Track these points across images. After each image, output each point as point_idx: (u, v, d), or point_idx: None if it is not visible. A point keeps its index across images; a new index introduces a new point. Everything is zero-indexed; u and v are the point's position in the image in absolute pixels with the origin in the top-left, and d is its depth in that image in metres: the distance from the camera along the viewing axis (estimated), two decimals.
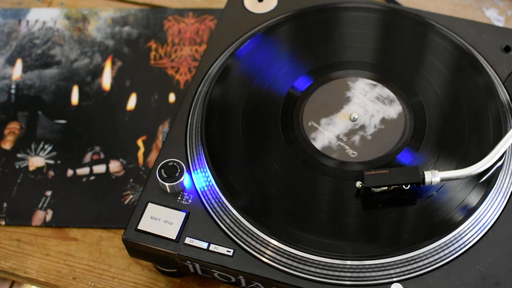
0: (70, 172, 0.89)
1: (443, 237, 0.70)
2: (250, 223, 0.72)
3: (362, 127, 0.79)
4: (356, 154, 0.77)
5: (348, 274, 0.69)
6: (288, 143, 0.78)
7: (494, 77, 0.81)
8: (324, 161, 0.76)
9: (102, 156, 0.90)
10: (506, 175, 0.74)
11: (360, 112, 0.80)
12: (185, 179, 0.75)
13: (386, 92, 0.81)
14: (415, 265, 0.70)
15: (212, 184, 0.74)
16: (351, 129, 0.79)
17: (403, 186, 0.73)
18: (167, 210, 0.74)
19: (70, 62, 0.98)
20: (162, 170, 0.75)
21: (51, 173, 0.89)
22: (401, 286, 0.69)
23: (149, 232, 0.73)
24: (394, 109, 0.80)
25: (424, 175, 0.72)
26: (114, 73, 0.97)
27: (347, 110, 0.80)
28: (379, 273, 0.69)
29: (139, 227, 0.73)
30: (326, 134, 0.78)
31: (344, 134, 0.78)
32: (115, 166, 0.89)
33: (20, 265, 0.83)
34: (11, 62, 0.99)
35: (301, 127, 0.79)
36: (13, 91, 0.96)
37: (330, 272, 0.69)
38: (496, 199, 0.73)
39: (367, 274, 0.69)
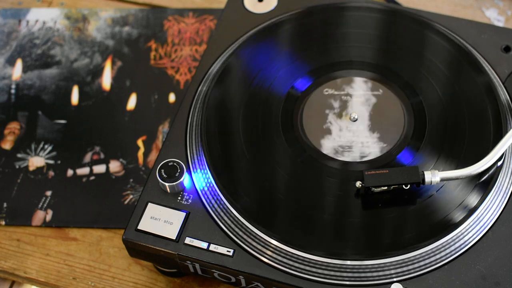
0: (70, 172, 0.89)
1: (443, 237, 0.70)
2: (250, 223, 0.72)
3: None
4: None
5: (348, 274, 0.69)
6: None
7: (494, 77, 0.81)
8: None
9: (102, 156, 0.90)
10: (506, 175, 0.74)
11: (360, 112, 0.80)
12: (185, 179, 0.75)
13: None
14: (415, 265, 0.70)
15: (212, 184, 0.74)
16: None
17: (403, 186, 0.73)
18: (167, 210, 0.74)
19: (70, 62, 0.98)
20: (162, 170, 0.75)
21: (51, 173, 0.89)
22: (401, 286, 0.69)
23: (149, 232, 0.73)
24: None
25: (424, 175, 0.72)
26: (114, 73, 0.97)
27: (347, 110, 0.80)
28: (379, 273, 0.69)
29: (139, 227, 0.73)
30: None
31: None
32: (115, 166, 0.89)
33: (20, 265, 0.83)
34: (11, 62, 0.99)
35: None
36: (13, 91, 0.96)
37: (330, 272, 0.69)
38: (496, 199, 0.73)
39: (367, 274, 0.69)
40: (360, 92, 0.81)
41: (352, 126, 0.79)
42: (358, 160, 0.76)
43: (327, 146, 0.77)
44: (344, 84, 0.82)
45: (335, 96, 0.81)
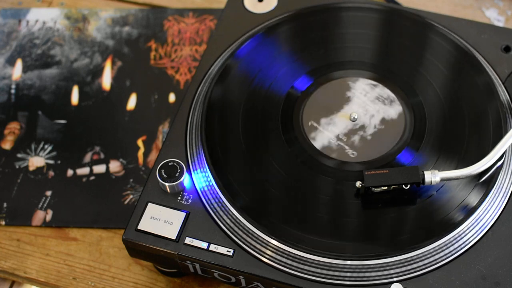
0: (70, 172, 0.89)
1: (443, 237, 0.70)
2: (250, 223, 0.72)
3: (362, 127, 0.79)
4: (356, 154, 0.77)
5: (348, 274, 0.69)
6: (288, 143, 0.78)
7: (494, 77, 0.81)
8: (324, 161, 0.76)
9: (102, 156, 0.90)
10: (506, 175, 0.74)
11: (360, 112, 0.80)
12: (185, 179, 0.75)
13: (386, 92, 0.81)
14: (415, 265, 0.70)
15: (212, 184, 0.74)
16: (351, 129, 0.79)
17: (403, 186, 0.73)
18: (167, 210, 0.74)
19: (70, 62, 0.98)
20: (162, 170, 0.75)
21: (51, 173, 0.89)
22: (401, 286, 0.69)
23: (149, 232, 0.73)
24: (394, 109, 0.80)
25: (424, 175, 0.72)
26: (114, 73, 0.97)
27: (347, 110, 0.80)
28: (379, 273, 0.69)
29: (139, 227, 0.73)
30: (326, 134, 0.78)
31: (344, 134, 0.78)
32: (115, 166, 0.89)
33: (20, 265, 0.83)
34: (11, 62, 0.99)
35: (301, 127, 0.79)
36: (13, 91, 0.96)
37: (330, 272, 0.69)
38: (496, 199, 0.73)
39: (367, 274, 0.69)
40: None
41: (352, 126, 0.79)
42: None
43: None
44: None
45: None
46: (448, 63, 0.82)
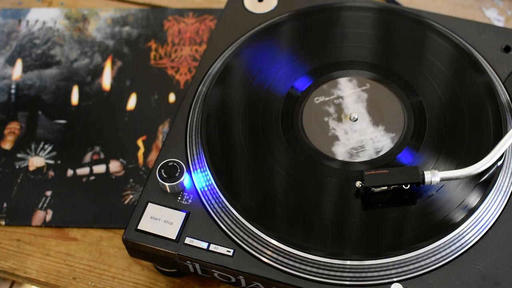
0: (70, 172, 0.89)
1: (443, 237, 0.70)
2: (250, 223, 0.72)
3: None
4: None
5: (348, 274, 0.69)
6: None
7: (494, 77, 0.81)
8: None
9: (102, 156, 0.90)
10: (506, 175, 0.74)
11: (360, 112, 0.80)
12: (185, 179, 0.75)
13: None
14: (415, 265, 0.70)
15: (212, 184, 0.74)
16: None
17: (403, 186, 0.73)
18: (167, 210, 0.74)
19: (70, 62, 0.98)
20: (162, 170, 0.75)
21: (51, 173, 0.89)
22: (401, 286, 0.69)
23: (149, 232, 0.73)
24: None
25: (424, 175, 0.72)
26: (114, 73, 0.97)
27: (347, 110, 0.80)
28: (379, 273, 0.69)
29: (139, 227, 0.73)
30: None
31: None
32: (115, 166, 0.89)
33: (20, 265, 0.83)
34: (11, 62, 0.99)
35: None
36: (13, 91, 0.96)
37: (330, 272, 0.69)
38: (496, 199, 0.73)
39: (367, 274, 0.69)
40: (360, 92, 0.81)
41: (355, 126, 0.79)
42: (358, 160, 0.76)
43: (327, 146, 0.77)
44: (343, 84, 0.82)
45: (334, 96, 0.81)
46: (448, 63, 0.82)
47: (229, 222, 0.72)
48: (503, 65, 0.82)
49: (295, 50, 0.85)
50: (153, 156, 0.89)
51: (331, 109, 0.80)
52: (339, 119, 0.79)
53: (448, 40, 0.83)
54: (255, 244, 0.71)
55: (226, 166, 0.76)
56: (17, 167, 0.90)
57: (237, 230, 0.72)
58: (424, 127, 0.78)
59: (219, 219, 0.73)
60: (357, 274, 0.69)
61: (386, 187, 0.73)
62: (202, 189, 0.75)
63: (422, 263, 0.70)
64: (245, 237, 0.72)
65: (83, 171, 0.89)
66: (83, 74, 0.97)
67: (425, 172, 0.72)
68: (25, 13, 1.03)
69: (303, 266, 0.70)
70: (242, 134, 0.78)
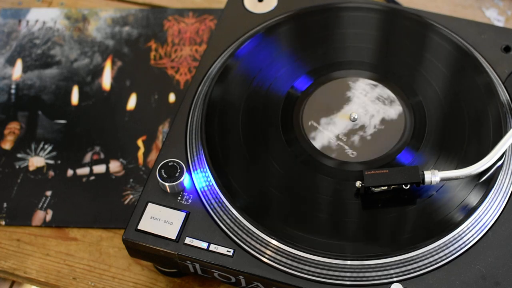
0: (70, 172, 0.89)
1: (443, 237, 0.70)
2: (250, 223, 0.72)
3: (362, 127, 0.79)
4: (356, 154, 0.77)
5: (348, 274, 0.69)
6: (288, 143, 0.78)
7: (494, 77, 0.81)
8: (324, 161, 0.76)
9: (102, 156, 0.90)
10: (506, 175, 0.74)
11: (360, 112, 0.80)
12: (185, 179, 0.75)
13: (386, 92, 0.81)
14: (415, 265, 0.70)
15: (212, 184, 0.74)
16: (351, 129, 0.79)
17: (403, 186, 0.73)
18: (167, 210, 0.74)
19: (70, 62, 0.98)
20: (162, 170, 0.75)
21: (51, 173, 0.89)
22: (401, 286, 0.69)
23: (149, 232, 0.73)
24: (394, 109, 0.80)
25: (424, 175, 0.72)
26: (114, 73, 0.97)
27: (347, 110, 0.80)
28: (379, 273, 0.69)
29: (139, 227, 0.73)
30: (326, 134, 0.78)
31: (344, 134, 0.78)
32: (115, 166, 0.89)
33: (20, 265, 0.83)
34: (11, 62, 0.99)
35: (301, 127, 0.79)
36: (13, 91, 0.96)
37: (330, 272, 0.70)
38: (496, 199, 0.73)
39: (367, 274, 0.69)
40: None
41: (352, 126, 0.79)
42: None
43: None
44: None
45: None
46: (448, 63, 0.82)
47: (229, 222, 0.72)
48: (503, 65, 0.82)
49: (295, 50, 0.85)
50: (153, 156, 0.89)
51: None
52: (339, 117, 0.79)
53: (448, 40, 0.83)
54: (255, 244, 0.71)
55: (226, 166, 0.76)
56: (17, 167, 0.90)
57: (237, 230, 0.72)
58: (424, 127, 0.78)
59: (219, 219, 0.73)
60: (357, 274, 0.69)
61: (386, 187, 0.73)
62: (202, 189, 0.75)
63: (422, 263, 0.70)
64: (245, 237, 0.72)
65: (83, 171, 0.89)
66: (83, 74, 0.97)
67: (425, 172, 0.72)
68: (25, 13, 1.03)
69: (303, 266, 0.70)
70: (242, 134, 0.78)
